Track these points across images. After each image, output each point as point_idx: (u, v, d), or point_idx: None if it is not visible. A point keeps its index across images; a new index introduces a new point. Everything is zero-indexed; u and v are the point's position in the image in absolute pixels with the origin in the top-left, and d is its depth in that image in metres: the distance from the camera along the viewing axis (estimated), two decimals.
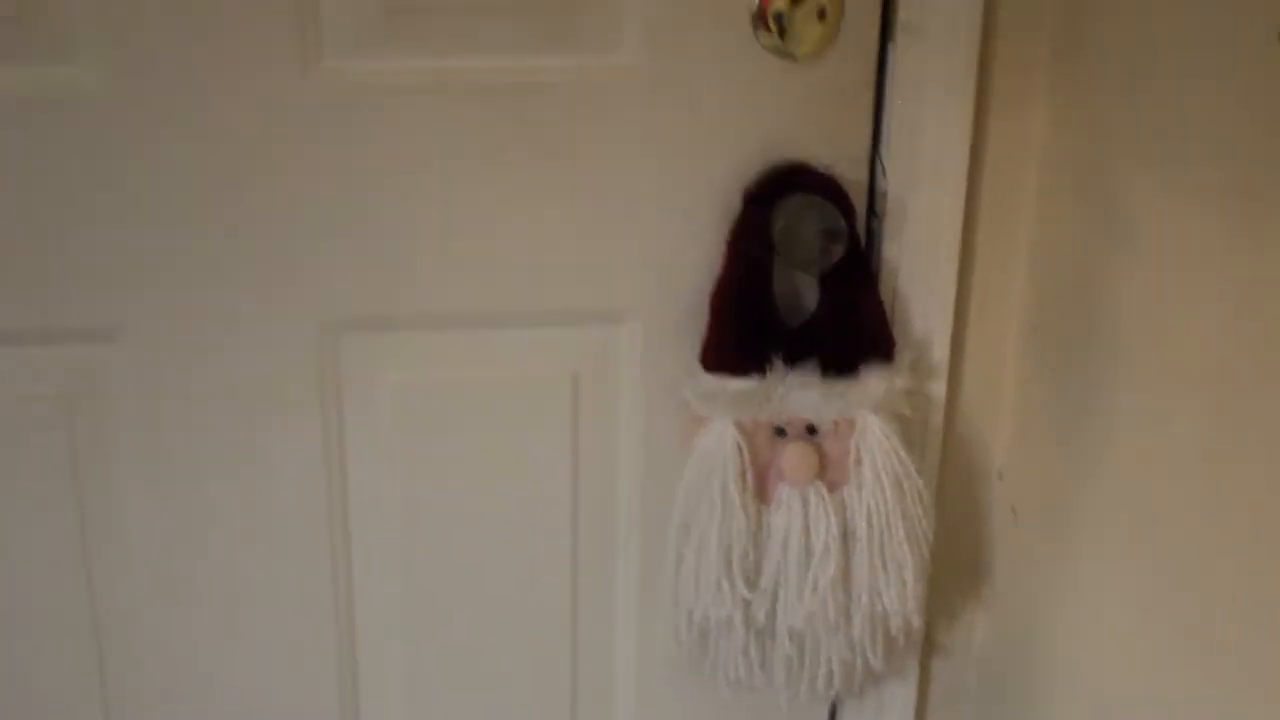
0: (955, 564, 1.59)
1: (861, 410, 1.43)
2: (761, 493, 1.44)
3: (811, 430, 1.43)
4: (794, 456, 1.43)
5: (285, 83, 1.36)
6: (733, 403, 1.41)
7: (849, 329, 1.43)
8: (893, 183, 1.43)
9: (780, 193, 1.39)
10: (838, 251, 1.37)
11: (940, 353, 1.48)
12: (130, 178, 1.38)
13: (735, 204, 1.42)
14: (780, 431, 1.43)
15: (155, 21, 1.33)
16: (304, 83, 1.36)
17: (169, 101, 1.36)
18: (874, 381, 1.42)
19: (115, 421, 1.47)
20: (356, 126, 1.38)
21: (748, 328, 1.42)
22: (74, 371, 1.45)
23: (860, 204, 1.44)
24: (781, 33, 1.37)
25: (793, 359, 1.41)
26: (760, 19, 1.37)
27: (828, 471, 1.44)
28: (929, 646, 1.63)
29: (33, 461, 1.48)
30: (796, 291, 1.46)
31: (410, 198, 1.41)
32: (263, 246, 1.42)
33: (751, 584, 1.45)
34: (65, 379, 1.46)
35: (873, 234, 1.47)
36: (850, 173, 1.44)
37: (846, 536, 1.45)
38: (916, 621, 1.48)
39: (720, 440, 1.42)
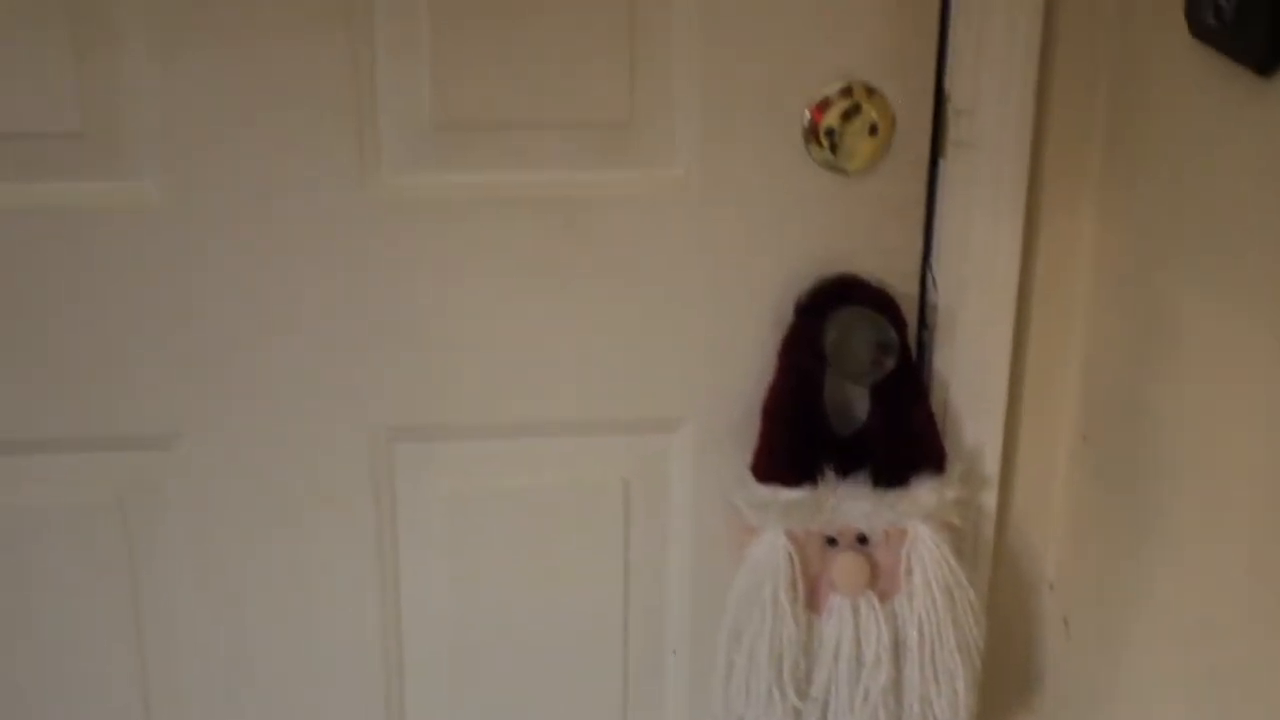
0: (1006, 675, 1.58)
1: (912, 520, 1.43)
2: (813, 602, 1.44)
3: (862, 540, 1.44)
4: (845, 566, 1.43)
5: (343, 195, 1.38)
6: (784, 512, 1.42)
7: (900, 440, 1.44)
8: (943, 295, 1.44)
9: (832, 304, 1.41)
10: (889, 363, 1.38)
11: (991, 463, 1.49)
12: (188, 288, 1.40)
13: (787, 315, 1.43)
14: (831, 541, 1.43)
15: (216, 136, 1.36)
16: (361, 195, 1.39)
17: (228, 215, 1.38)
18: (925, 492, 1.43)
19: (170, 526, 1.49)
20: (412, 238, 1.40)
21: (799, 438, 1.43)
22: (131, 478, 1.47)
23: (911, 316, 1.45)
24: (833, 148, 1.39)
25: (844, 469, 1.42)
26: (812, 134, 1.39)
27: (879, 581, 1.44)
28: None
29: (90, 564, 1.49)
30: (848, 402, 1.47)
31: (463, 308, 1.43)
32: (317, 356, 1.43)
33: (802, 693, 1.45)
34: (123, 485, 1.48)
35: (923, 345, 1.47)
36: (901, 285, 1.45)
37: (898, 646, 1.45)
38: None
39: (771, 549, 1.43)
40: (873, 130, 1.39)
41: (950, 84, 1.39)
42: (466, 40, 1.35)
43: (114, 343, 1.41)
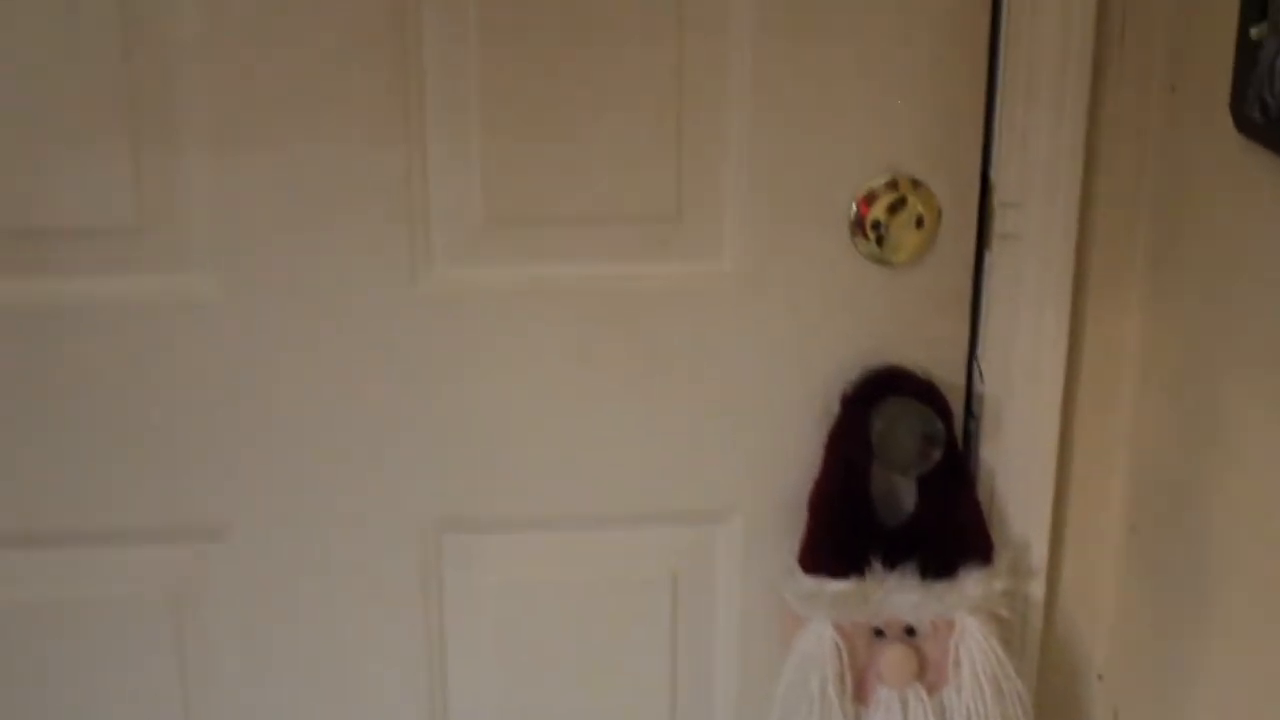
0: None
1: (960, 612, 1.43)
2: (860, 694, 1.44)
3: (910, 632, 1.43)
4: (893, 658, 1.43)
5: (395, 290, 1.40)
6: (832, 604, 1.42)
7: (947, 531, 1.44)
8: (989, 386, 1.45)
9: (878, 396, 1.41)
10: (935, 455, 1.38)
11: (1039, 554, 1.49)
12: (243, 382, 1.42)
13: (834, 406, 1.44)
14: (879, 633, 1.43)
15: (272, 232, 1.38)
16: (413, 290, 1.40)
17: (283, 308, 1.40)
18: (972, 583, 1.42)
19: (221, 617, 1.49)
20: (462, 331, 1.42)
21: (846, 529, 1.43)
22: (183, 570, 1.48)
23: (957, 407, 1.46)
24: (879, 240, 1.40)
25: (891, 560, 1.42)
26: (858, 227, 1.40)
27: (926, 673, 1.44)
28: None
29: (140, 656, 1.50)
30: (894, 492, 1.47)
31: (513, 399, 1.44)
32: (368, 448, 1.44)
33: None
34: (174, 577, 1.48)
35: (970, 436, 1.48)
36: (947, 375, 1.45)
37: None
38: None
39: (819, 641, 1.43)
40: (919, 223, 1.40)
41: (996, 177, 1.40)
42: (517, 138, 1.37)
43: (168, 435, 1.42)
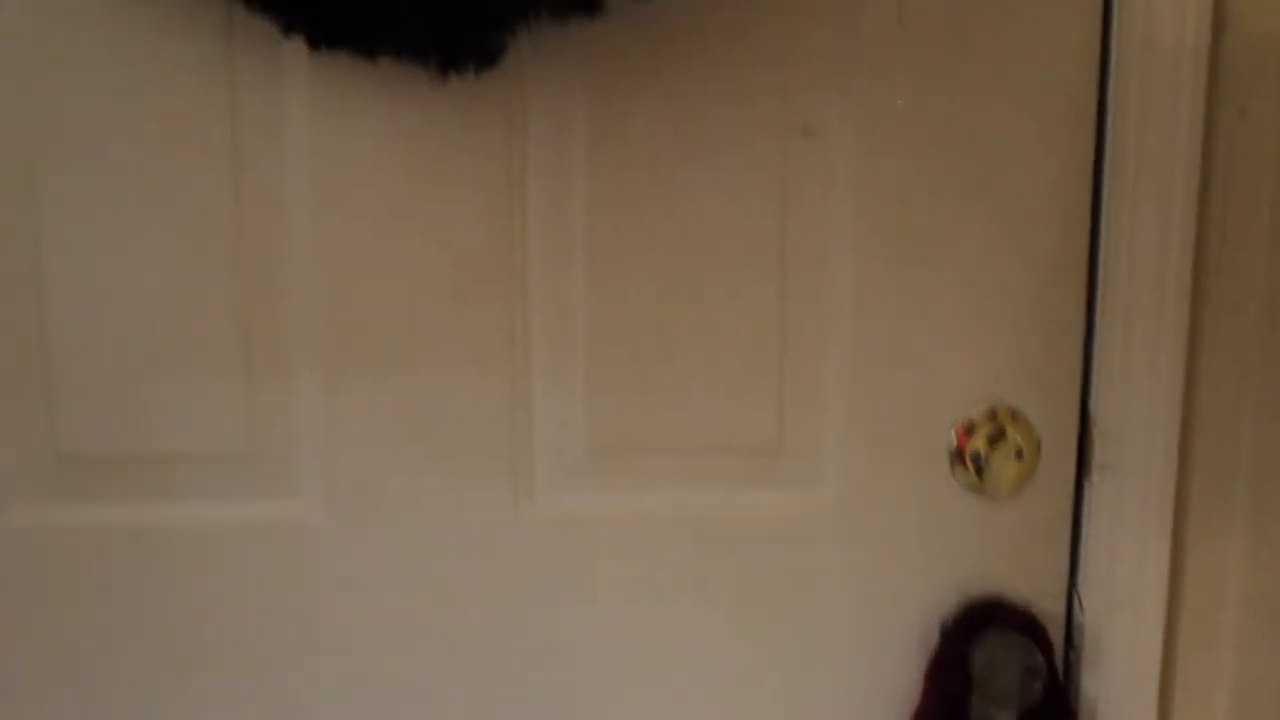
0: None
1: None
2: None
3: None
4: None
5: (498, 518, 1.41)
6: None
7: None
8: (1090, 616, 1.44)
9: (978, 628, 1.40)
10: (1037, 690, 1.37)
11: None
12: (346, 606, 1.43)
13: (933, 636, 1.43)
14: None
15: (377, 459, 1.40)
16: (516, 518, 1.41)
17: (387, 535, 1.41)
18: None
19: None
20: (563, 558, 1.42)
21: None
22: None
23: (1057, 637, 1.45)
24: (979, 472, 1.40)
25: None
26: (958, 458, 1.41)
27: None
28: None
29: None
30: None
31: (615, 625, 1.44)
32: (472, 671, 1.45)
33: None
34: None
35: (1070, 666, 1.46)
36: (1047, 605, 1.44)
37: None
38: None
39: None
40: (1019, 454, 1.40)
41: (1095, 408, 1.40)
42: (620, 370, 1.39)
43: (271, 658, 1.43)
